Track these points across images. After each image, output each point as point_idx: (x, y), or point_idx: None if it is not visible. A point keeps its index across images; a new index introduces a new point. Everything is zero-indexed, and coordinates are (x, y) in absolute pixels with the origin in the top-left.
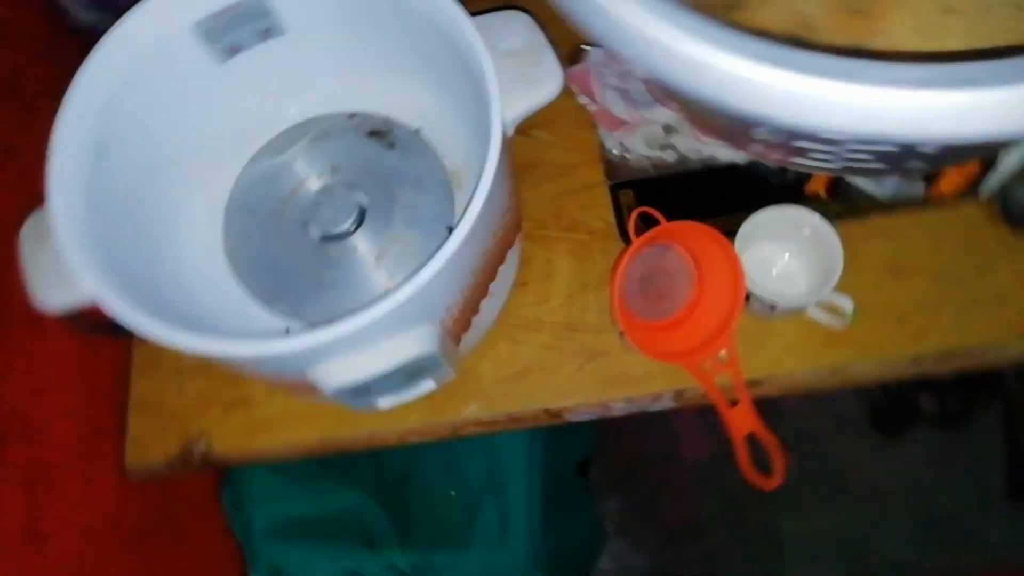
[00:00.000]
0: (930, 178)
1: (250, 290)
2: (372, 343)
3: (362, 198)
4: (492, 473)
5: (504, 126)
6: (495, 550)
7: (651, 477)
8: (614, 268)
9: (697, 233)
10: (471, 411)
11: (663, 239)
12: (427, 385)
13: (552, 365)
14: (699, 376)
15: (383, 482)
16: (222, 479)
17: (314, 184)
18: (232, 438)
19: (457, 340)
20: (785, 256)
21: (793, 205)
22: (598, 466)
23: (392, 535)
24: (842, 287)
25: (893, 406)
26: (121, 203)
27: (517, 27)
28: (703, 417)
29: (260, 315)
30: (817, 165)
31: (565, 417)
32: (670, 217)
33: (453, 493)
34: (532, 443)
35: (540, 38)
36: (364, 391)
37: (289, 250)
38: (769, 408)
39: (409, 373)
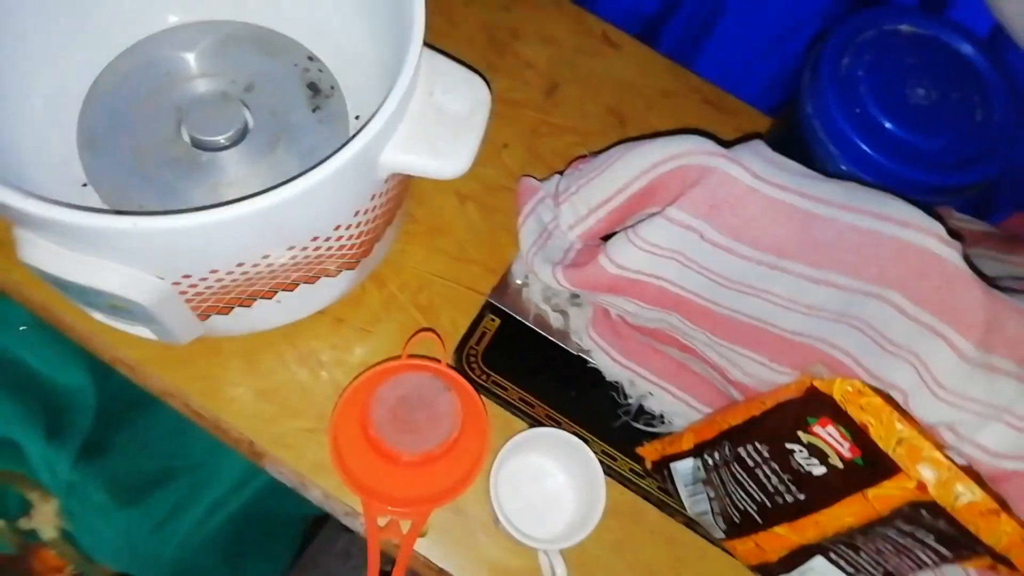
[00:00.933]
0: (732, 530)
1: (82, 140)
2: (77, 247)
3: (251, 122)
4: (206, 463)
5: (375, 155)
6: (144, 529)
7: None
8: (379, 368)
9: (477, 404)
10: (184, 389)
11: (448, 380)
12: (143, 331)
13: (295, 411)
14: (368, 521)
15: (120, 396)
16: None
17: (214, 86)
18: None
19: (202, 316)
20: (561, 485)
21: (591, 456)
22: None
23: (77, 443)
24: (594, 565)
25: None
26: None
27: (470, 94)
28: None
29: (75, 167)
30: None
31: (263, 464)
32: (505, 374)
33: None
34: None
35: (479, 119)
36: (61, 285)
37: (149, 130)
38: None
39: (114, 306)
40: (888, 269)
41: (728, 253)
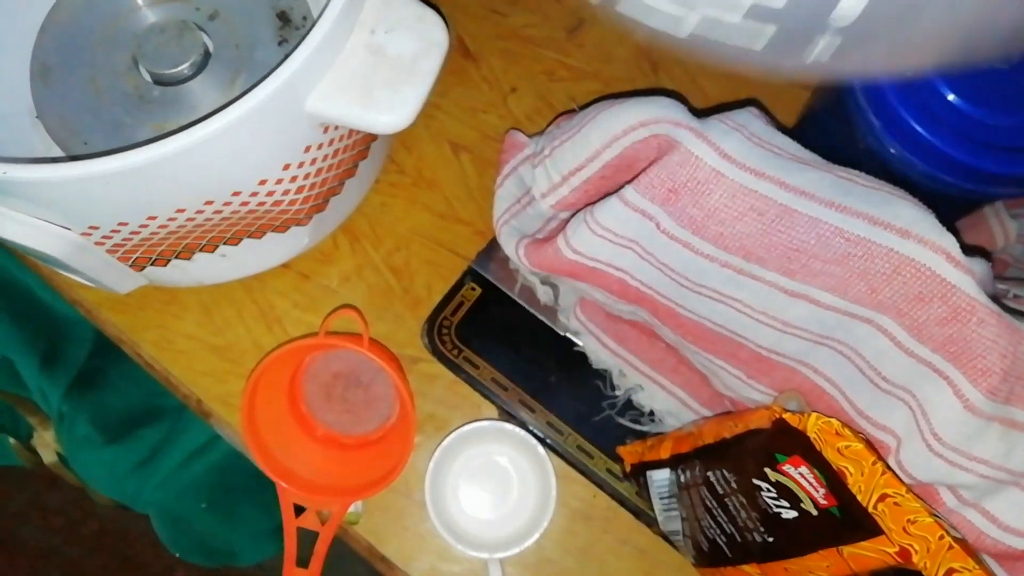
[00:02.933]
0: (700, 558)
1: (34, 69)
2: None
3: (210, 54)
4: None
5: (299, 101)
6: (126, 467)
7: None
8: (291, 346)
9: (404, 391)
10: (136, 337)
11: (373, 359)
12: (80, 279)
13: (247, 370)
14: (284, 507)
15: None
16: None
17: (176, 13)
18: None
19: (135, 267)
20: (525, 478)
21: (545, 457)
22: None
23: (71, 373)
24: (550, 571)
25: None
26: None
27: (419, 34)
28: None
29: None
30: None
31: (211, 423)
32: (479, 351)
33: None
34: None
35: (428, 65)
36: None
37: (105, 61)
38: None
39: (33, 254)
40: (880, 289)
41: (687, 249)
